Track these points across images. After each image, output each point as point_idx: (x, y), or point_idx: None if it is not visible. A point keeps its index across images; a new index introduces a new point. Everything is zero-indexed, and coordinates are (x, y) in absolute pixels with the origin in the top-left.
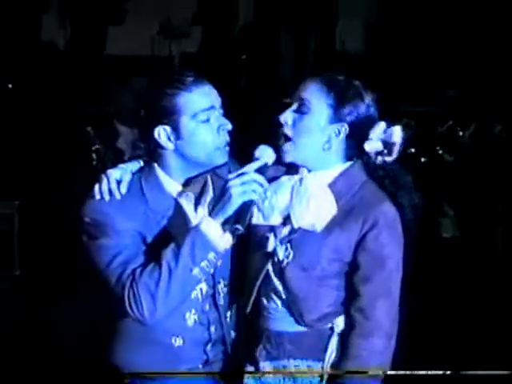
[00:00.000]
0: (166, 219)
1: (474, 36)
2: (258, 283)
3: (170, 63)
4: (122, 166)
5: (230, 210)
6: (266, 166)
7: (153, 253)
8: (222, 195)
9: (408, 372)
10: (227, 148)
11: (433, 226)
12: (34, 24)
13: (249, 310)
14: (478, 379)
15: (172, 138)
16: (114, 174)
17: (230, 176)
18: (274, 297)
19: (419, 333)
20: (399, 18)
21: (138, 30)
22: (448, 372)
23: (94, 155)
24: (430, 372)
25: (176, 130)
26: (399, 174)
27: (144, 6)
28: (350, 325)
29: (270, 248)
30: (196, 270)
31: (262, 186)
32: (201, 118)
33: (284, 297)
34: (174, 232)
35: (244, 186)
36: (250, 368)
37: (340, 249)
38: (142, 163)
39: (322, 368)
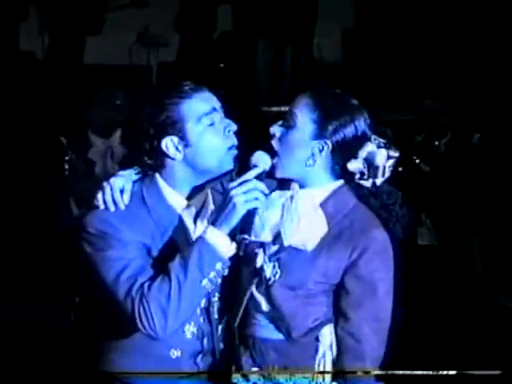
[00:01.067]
0: (169, 231)
1: (452, 45)
2: (246, 299)
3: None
4: (122, 173)
5: (235, 219)
6: (264, 172)
7: (159, 265)
8: (224, 205)
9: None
10: (235, 151)
11: (410, 235)
12: (11, 33)
13: (237, 324)
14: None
15: (180, 148)
16: (117, 182)
17: (232, 185)
18: (261, 313)
19: (397, 340)
20: (377, 26)
21: (115, 40)
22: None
23: (66, 165)
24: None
25: (183, 138)
26: (389, 199)
27: (122, 15)
28: (341, 348)
29: (258, 264)
30: (205, 282)
31: (264, 193)
32: (205, 122)
33: (270, 314)
34: (178, 244)
35: (247, 194)
36: (236, 375)
37: (328, 272)
38: (141, 172)
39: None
